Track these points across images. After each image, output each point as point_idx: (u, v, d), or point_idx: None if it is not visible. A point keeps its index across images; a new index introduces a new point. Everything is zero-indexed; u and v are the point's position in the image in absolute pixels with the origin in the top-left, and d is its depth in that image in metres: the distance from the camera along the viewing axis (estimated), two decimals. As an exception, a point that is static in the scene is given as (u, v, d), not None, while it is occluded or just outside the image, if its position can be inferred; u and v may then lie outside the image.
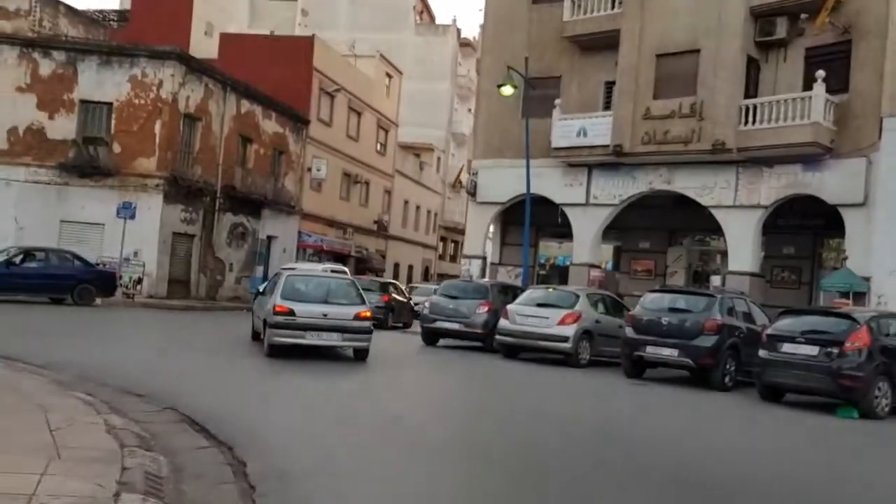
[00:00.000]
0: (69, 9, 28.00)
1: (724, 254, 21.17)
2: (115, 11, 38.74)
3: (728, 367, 13.24)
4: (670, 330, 13.22)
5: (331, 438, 6.94)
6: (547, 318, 14.77)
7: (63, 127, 25.78)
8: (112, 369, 9.81)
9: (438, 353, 16.47)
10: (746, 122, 19.37)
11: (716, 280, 20.89)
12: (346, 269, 23.25)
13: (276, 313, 12.40)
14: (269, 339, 12.50)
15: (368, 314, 12.93)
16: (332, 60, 37.31)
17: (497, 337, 15.60)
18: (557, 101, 22.55)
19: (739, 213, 20.09)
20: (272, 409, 8.19)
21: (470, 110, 46.14)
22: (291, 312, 12.36)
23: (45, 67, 25.87)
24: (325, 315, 12.51)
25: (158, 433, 6.30)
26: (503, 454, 6.93)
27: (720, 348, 12.96)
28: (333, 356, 13.41)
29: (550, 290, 16.42)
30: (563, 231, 23.68)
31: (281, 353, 12.60)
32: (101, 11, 38.95)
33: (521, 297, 16.02)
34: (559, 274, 24.97)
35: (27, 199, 25.30)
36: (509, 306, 15.62)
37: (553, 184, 22.86)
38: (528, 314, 15.05)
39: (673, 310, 13.50)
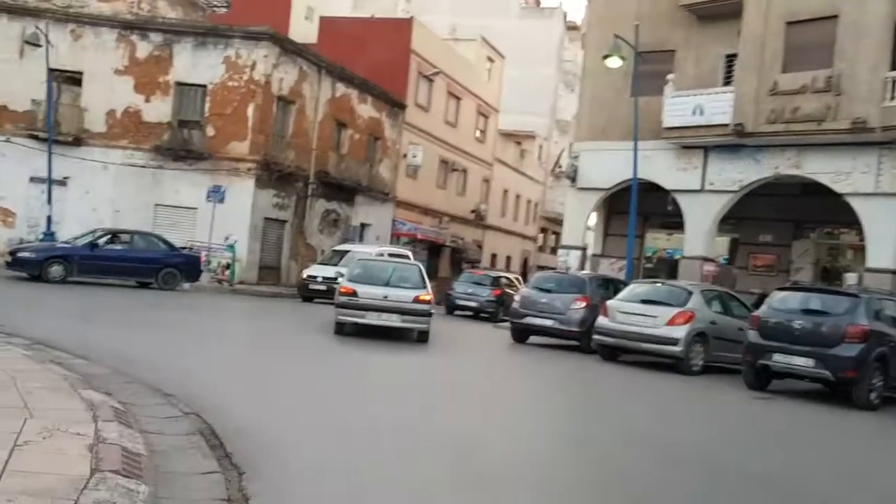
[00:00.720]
0: (168, -9, 28.05)
1: (858, 248, 18.61)
2: (218, -2, 38.80)
3: (874, 381, 11.10)
4: (804, 335, 11.17)
5: (388, 468, 5.55)
6: (654, 316, 12.95)
7: (159, 110, 25.65)
8: (153, 359, 8.83)
9: (527, 353, 14.92)
10: (893, 98, 16.81)
11: (850, 278, 18.37)
12: (408, 253, 22.59)
13: (341, 294, 13.62)
14: (336, 317, 13.64)
15: (427, 298, 13.62)
16: (431, 43, 36.11)
17: (595, 336, 13.90)
18: (670, 77, 20.44)
19: (882, 201, 17.52)
20: (307, 420, 6.90)
21: (574, 90, 43.99)
22: (354, 293, 13.42)
23: (142, 50, 25.78)
24: (385, 297, 13.39)
25: (163, 450, 5.09)
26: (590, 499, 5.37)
27: (866, 359, 10.84)
28: (399, 338, 13.80)
29: (658, 285, 14.53)
30: (673, 220, 21.58)
31: (351, 338, 13.20)
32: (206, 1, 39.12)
33: (624, 293, 14.23)
34: (667, 268, 22.88)
35: (123, 183, 25.30)
36: (609, 302, 13.88)
37: (664, 168, 20.80)
38: (631, 312, 13.27)
39: (807, 311, 11.41)
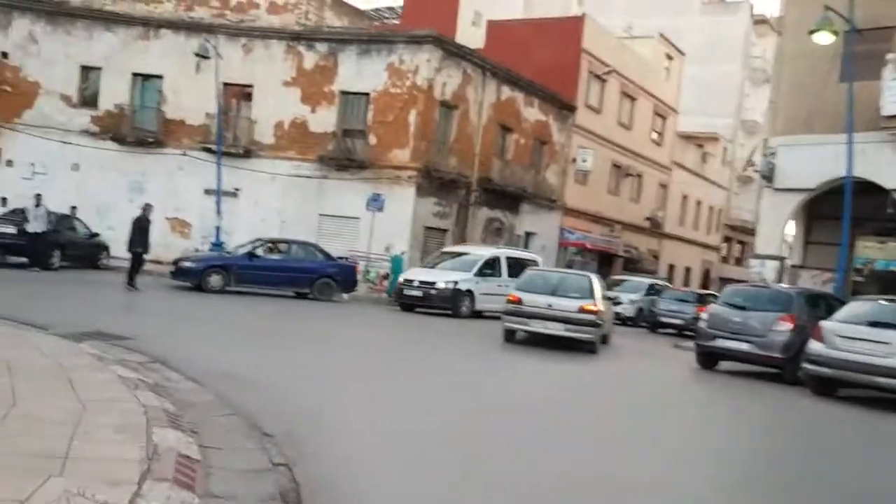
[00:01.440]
0: (335, 1, 27.90)
1: None
2: (388, 8, 38.91)
3: None
4: None
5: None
6: (887, 343, 10.30)
7: (324, 119, 25.50)
8: (276, 382, 7.70)
9: (715, 382, 12.61)
10: None
11: None
12: (535, 257, 21.64)
13: (508, 302, 14.23)
14: (503, 325, 14.27)
15: (593, 308, 13.69)
16: (603, 41, 33.97)
17: (805, 365, 11.38)
18: (890, 57, 17.23)
19: None
20: (434, 463, 5.34)
21: (762, 86, 40.07)
22: (520, 301, 13.95)
23: (309, 60, 25.77)
24: (549, 305, 13.65)
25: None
26: None
27: None
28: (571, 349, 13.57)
29: (887, 303, 11.73)
30: (890, 226, 18.24)
31: (519, 348, 13.40)
32: (376, 10, 39.40)
33: (843, 312, 11.59)
34: (878, 281, 19.43)
35: (289, 193, 25.34)
36: (825, 324, 11.31)
37: (882, 164, 17.56)
38: (855, 336, 10.66)
39: None
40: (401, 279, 20.00)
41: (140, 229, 17.39)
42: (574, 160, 32.12)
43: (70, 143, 25.93)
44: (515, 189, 28.28)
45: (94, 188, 25.80)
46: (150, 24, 26.31)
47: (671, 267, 42.32)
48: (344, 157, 24.89)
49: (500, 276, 19.61)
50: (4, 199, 25.18)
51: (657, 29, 41.04)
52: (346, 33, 26.25)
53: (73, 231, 21.15)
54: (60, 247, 19.85)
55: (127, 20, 26.31)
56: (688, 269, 44.32)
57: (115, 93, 26.18)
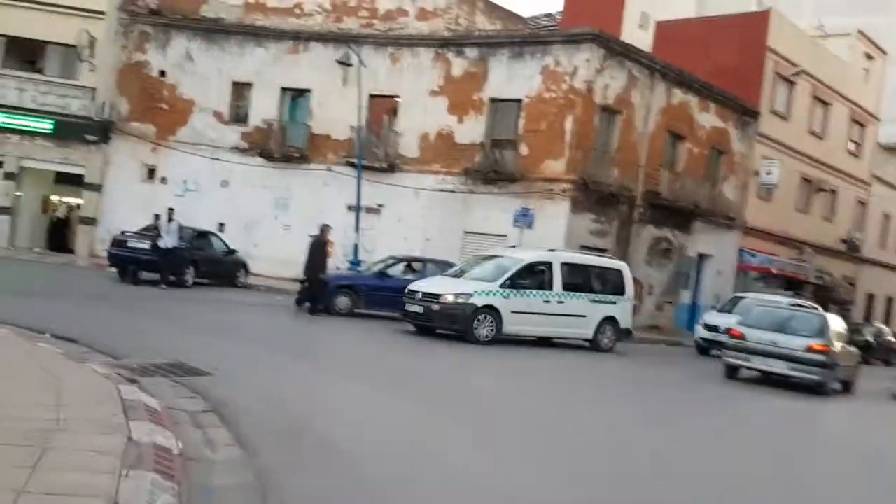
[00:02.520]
0: (487, 3, 26.06)
1: None
2: (546, 15, 36.74)
3: None
4: None
5: None
6: None
7: (472, 130, 23.65)
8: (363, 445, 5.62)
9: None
10: None
11: None
12: (621, 265, 17.66)
13: (729, 336, 14.20)
14: (724, 360, 14.26)
15: (822, 347, 13.13)
16: (792, 39, 29.88)
17: None
18: None
19: None
20: None
21: None
22: (742, 336, 13.79)
23: (457, 67, 24.07)
24: (773, 343, 13.38)
25: None
26: None
27: None
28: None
29: None
30: None
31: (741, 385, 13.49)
32: (533, 18, 37.35)
33: None
34: None
35: (433, 209, 23.66)
36: None
37: None
38: None
39: None
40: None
41: (317, 252, 16.15)
42: (757, 173, 28.22)
43: (220, 160, 25.71)
44: (687, 205, 24.98)
45: (242, 204, 25.40)
46: (300, 38, 25.67)
47: (870, 296, 36.78)
48: (491, 169, 22.86)
49: (548, 288, 15.33)
50: (157, 216, 25.28)
51: (852, 29, 35.99)
52: (498, 36, 24.31)
53: (208, 247, 20.44)
54: (194, 263, 19.16)
55: (277, 34, 25.83)
56: (890, 300, 38.46)
57: (264, 108, 25.74)
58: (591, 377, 13.40)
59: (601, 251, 18.21)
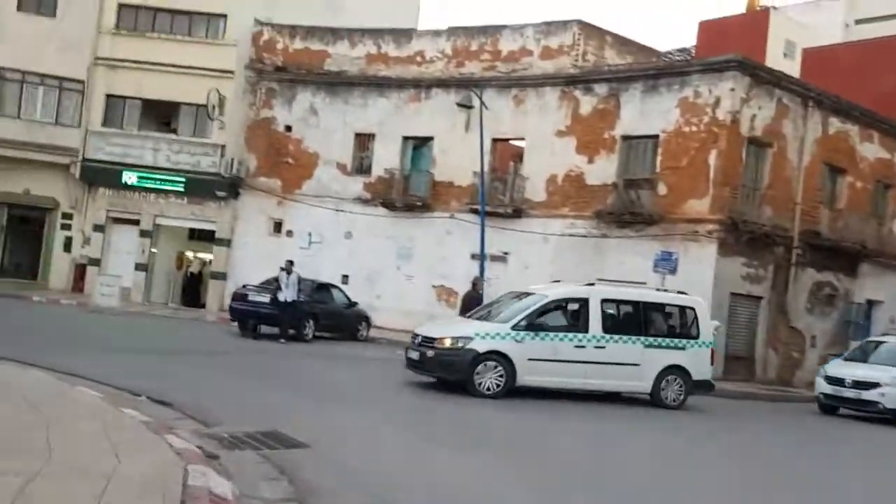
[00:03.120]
0: (616, 38, 24.56)
1: None
2: (679, 50, 34.73)
3: None
4: None
5: None
6: None
7: (602, 170, 22.05)
8: None
9: None
10: None
11: None
12: (698, 302, 14.48)
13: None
14: None
15: None
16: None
17: None
18: None
19: None
20: None
21: None
22: None
23: (586, 105, 22.66)
24: None
25: None
26: None
27: None
28: None
29: None
30: None
31: None
32: (667, 53, 35.46)
33: None
34: None
35: (563, 256, 22.08)
36: None
37: None
38: None
39: None
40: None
41: (472, 306, 15.06)
42: (932, 207, 24.89)
43: (343, 211, 25.34)
44: (852, 245, 22.11)
45: (365, 256, 24.85)
46: (421, 86, 25.16)
47: None
48: (626, 211, 21.09)
49: (583, 330, 12.67)
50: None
51: None
52: (630, 70, 22.72)
53: (329, 300, 19.76)
54: (314, 316, 18.48)
55: (399, 83, 25.44)
56: None
57: (386, 158, 25.26)
58: (622, 449, 9.81)
59: (680, 292, 14.89)
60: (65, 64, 24.96)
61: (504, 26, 24.64)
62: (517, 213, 22.92)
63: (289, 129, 26.46)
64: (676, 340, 13.57)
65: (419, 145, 25.56)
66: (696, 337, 13.73)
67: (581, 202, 22.12)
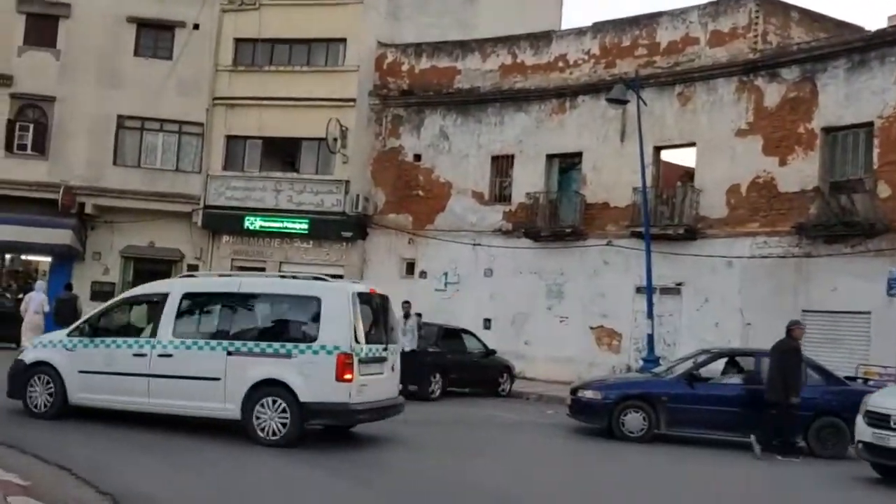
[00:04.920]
0: (804, 13, 19.88)
1: None
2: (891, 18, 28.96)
3: None
4: None
5: None
6: None
7: (800, 173, 17.52)
8: None
9: None
10: None
11: None
12: None
13: None
14: None
15: None
16: None
17: None
18: None
19: None
20: None
21: None
22: None
23: (772, 94, 18.27)
24: None
25: None
26: None
27: None
28: None
29: None
30: None
31: None
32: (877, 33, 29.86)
33: None
34: None
35: (753, 283, 17.61)
36: None
37: None
38: None
39: None
40: None
41: (787, 363, 10.89)
42: None
43: (481, 245, 22.07)
44: None
45: (509, 296, 21.35)
46: (565, 94, 21.64)
47: None
48: (836, 222, 16.38)
49: (151, 334, 9.78)
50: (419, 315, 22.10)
51: None
52: (828, 45, 18.07)
53: (460, 348, 16.36)
54: (442, 369, 15.12)
55: (539, 94, 22.06)
56: None
57: (528, 181, 21.81)
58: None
59: (317, 278, 10.46)
60: (183, 107, 23.68)
61: (661, 13, 20.72)
62: (691, 235, 18.65)
63: (418, 157, 23.71)
64: (278, 345, 9.22)
65: (566, 164, 21.96)
66: (314, 340, 9.16)
67: (774, 215, 17.60)
